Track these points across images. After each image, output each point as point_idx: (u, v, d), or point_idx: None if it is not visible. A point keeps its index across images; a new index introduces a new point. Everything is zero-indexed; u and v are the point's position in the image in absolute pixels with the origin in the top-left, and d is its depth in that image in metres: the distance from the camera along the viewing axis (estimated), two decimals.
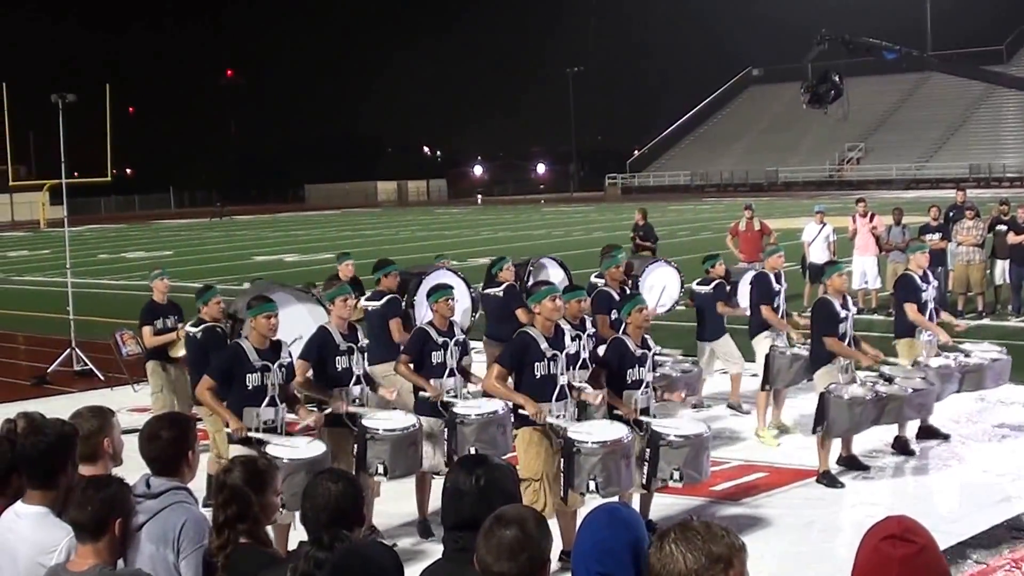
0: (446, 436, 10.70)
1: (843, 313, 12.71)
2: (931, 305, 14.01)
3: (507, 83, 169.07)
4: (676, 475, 10.33)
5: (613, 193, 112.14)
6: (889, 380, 12.55)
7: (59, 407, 8.30)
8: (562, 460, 9.85)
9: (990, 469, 12.73)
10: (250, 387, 9.88)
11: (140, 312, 15.13)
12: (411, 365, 11.23)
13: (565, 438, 9.87)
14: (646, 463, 10.31)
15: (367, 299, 14.32)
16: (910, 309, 13.89)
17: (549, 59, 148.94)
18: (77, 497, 5.21)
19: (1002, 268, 23.71)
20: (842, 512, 11.31)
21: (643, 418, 10.52)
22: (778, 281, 14.83)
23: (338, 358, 10.81)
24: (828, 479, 12.30)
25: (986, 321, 22.68)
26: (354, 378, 10.90)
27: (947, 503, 11.90)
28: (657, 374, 13.46)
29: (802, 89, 24.58)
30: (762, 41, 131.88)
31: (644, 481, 10.41)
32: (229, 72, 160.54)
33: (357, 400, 10.86)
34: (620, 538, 4.07)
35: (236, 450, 9.32)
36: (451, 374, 11.25)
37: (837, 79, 24.09)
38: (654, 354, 11.01)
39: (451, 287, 11.96)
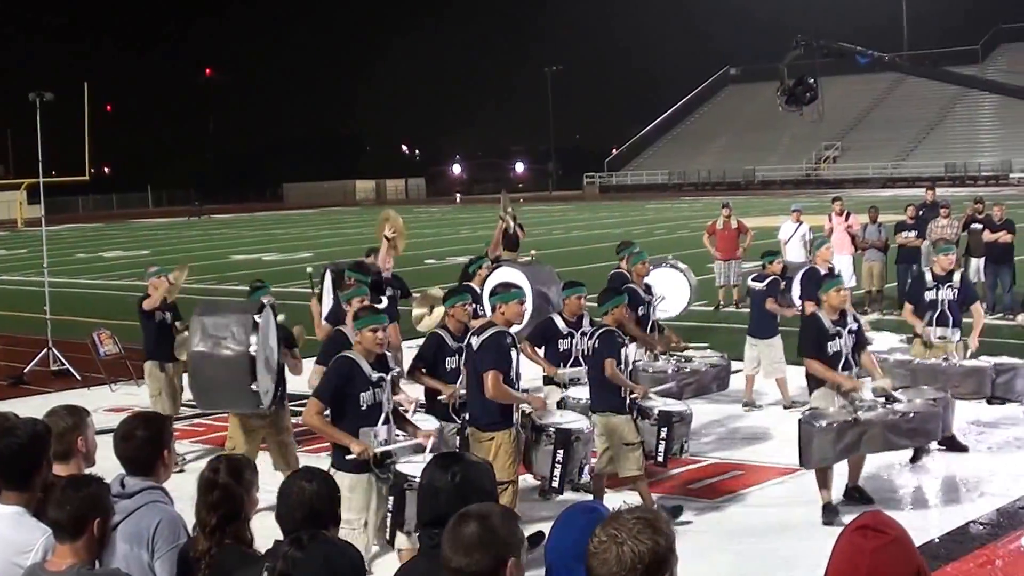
0: (458, 443, 10.64)
1: (834, 330, 11.52)
2: (943, 307, 13.72)
3: (486, 82, 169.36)
4: (686, 447, 11.77)
5: (591, 192, 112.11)
6: (890, 400, 11.27)
7: (35, 407, 8.29)
8: (560, 452, 10.26)
9: (965, 466, 12.80)
10: (364, 405, 9.03)
11: (138, 302, 15.17)
12: (424, 370, 10.98)
13: (558, 430, 10.29)
14: (662, 441, 11.27)
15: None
16: (906, 310, 14.20)
17: (528, 58, 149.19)
18: (56, 496, 5.22)
19: (976, 266, 23.83)
20: (818, 511, 11.30)
21: (647, 402, 11.42)
22: (830, 276, 14.57)
23: None
24: (827, 513, 11.22)
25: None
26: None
27: (922, 500, 11.97)
28: (687, 369, 13.60)
29: (778, 91, 24.60)
30: (740, 40, 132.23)
31: (661, 458, 11.42)
32: (208, 71, 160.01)
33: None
34: None
35: (344, 476, 8.71)
36: None
37: (812, 82, 24.11)
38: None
39: (468, 292, 11.91)
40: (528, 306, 10.78)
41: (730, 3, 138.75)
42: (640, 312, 13.79)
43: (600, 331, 11.29)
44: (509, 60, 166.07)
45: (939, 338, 13.75)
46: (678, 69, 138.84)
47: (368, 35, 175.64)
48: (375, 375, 9.09)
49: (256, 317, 10.89)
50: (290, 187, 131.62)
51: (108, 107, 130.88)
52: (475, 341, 10.32)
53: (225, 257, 47.21)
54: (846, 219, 25.33)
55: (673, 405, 11.75)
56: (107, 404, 17.12)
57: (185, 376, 14.03)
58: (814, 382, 11.75)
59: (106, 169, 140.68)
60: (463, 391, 10.86)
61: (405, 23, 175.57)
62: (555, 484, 10.47)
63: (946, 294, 13.71)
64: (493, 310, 10.67)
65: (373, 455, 8.89)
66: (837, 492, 11.45)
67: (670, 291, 16.07)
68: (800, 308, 15.45)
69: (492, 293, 10.98)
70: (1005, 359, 13.69)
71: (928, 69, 65.47)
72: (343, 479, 8.49)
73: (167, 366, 14.59)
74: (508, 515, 4.17)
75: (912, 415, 11.02)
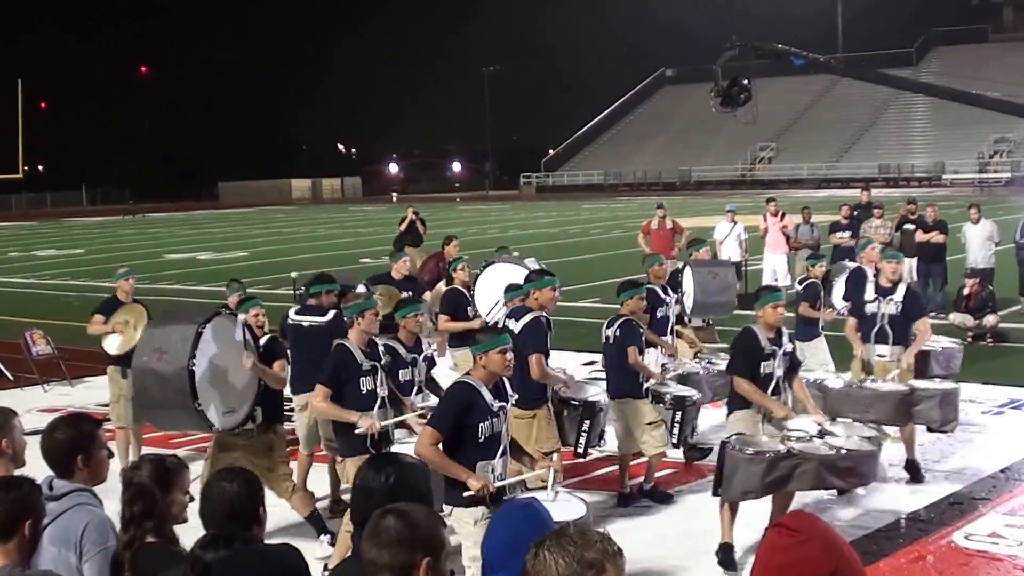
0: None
1: (770, 349, 10.44)
2: (882, 322, 12.79)
3: (422, 81, 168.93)
4: (696, 429, 12.46)
5: (528, 192, 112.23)
6: (821, 435, 10.06)
7: None
8: (587, 422, 11.19)
9: (897, 463, 12.89)
10: (483, 437, 8.18)
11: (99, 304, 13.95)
12: None
13: (585, 402, 11.26)
14: (676, 424, 11.79)
15: (297, 313, 12.63)
16: (849, 326, 13.20)
17: (464, 58, 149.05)
18: None
19: (909, 266, 24.05)
20: (750, 506, 11.31)
21: (661, 388, 12.17)
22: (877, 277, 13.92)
23: (362, 379, 9.91)
24: (724, 553, 10.18)
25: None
26: (379, 401, 9.98)
27: (855, 497, 11.98)
28: (715, 371, 13.55)
29: (712, 93, 24.74)
30: (676, 42, 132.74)
31: (675, 440, 11.97)
32: (143, 68, 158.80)
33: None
34: (535, 531, 4.14)
35: (463, 512, 8.07)
36: (419, 390, 11.05)
37: (746, 83, 24.28)
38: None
39: (420, 302, 11.86)
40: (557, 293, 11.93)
41: (666, 5, 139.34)
42: (659, 314, 13.61)
43: (620, 321, 11.94)
44: (446, 60, 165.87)
45: (878, 356, 12.84)
46: (614, 70, 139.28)
47: (305, 35, 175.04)
48: (496, 404, 8.27)
49: (201, 328, 9.97)
50: (226, 186, 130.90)
51: (43, 104, 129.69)
52: (514, 325, 10.92)
53: (159, 256, 46.87)
54: (781, 219, 25.56)
55: (685, 390, 12.35)
56: (40, 404, 16.99)
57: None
58: (735, 403, 10.70)
59: (40, 167, 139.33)
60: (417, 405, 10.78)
61: (342, 24, 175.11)
62: (580, 450, 11.40)
63: (887, 308, 12.78)
64: (527, 296, 11.53)
65: (490, 492, 8.01)
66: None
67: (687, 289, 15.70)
68: (840, 312, 15.02)
69: (526, 280, 11.99)
70: (926, 383, 12.43)
71: (863, 71, 66.13)
72: (464, 515, 8.08)
73: (129, 372, 12.98)
74: (432, 516, 4.16)
75: (847, 452, 9.79)
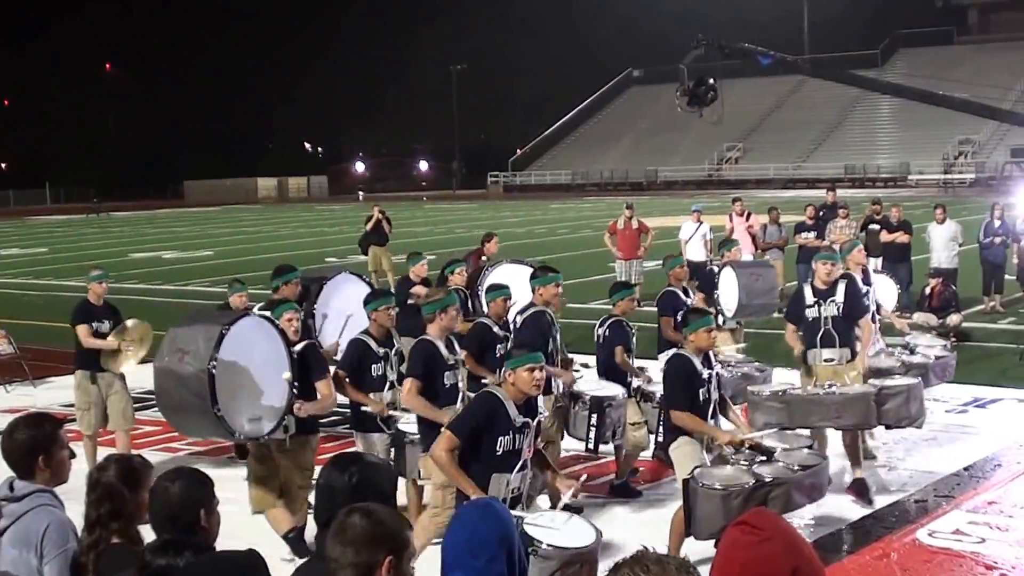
0: (392, 455, 10.53)
1: (706, 373, 9.90)
2: (826, 325, 12.42)
3: (389, 80, 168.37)
4: None
5: (496, 191, 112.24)
6: (768, 455, 9.61)
7: None
8: (595, 416, 11.32)
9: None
10: (500, 450, 8.04)
11: (73, 311, 13.46)
12: (348, 380, 10.73)
13: (593, 397, 11.45)
14: (662, 422, 11.35)
15: (262, 308, 12.10)
16: (788, 331, 12.87)
17: (432, 57, 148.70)
18: None
19: (874, 265, 24.16)
20: None
21: (649, 387, 12.19)
22: (866, 280, 13.71)
23: (446, 374, 9.97)
24: None
25: None
26: (460, 396, 9.96)
27: None
28: (739, 375, 13.27)
29: (678, 92, 24.73)
30: (643, 43, 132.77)
31: (662, 438, 11.43)
32: (108, 65, 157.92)
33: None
34: (493, 531, 4.14)
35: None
36: (391, 386, 10.84)
37: (713, 82, 24.28)
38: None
39: (391, 294, 11.77)
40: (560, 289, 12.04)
41: (633, 5, 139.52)
42: (680, 316, 13.57)
43: (610, 321, 12.37)
44: (413, 59, 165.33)
45: (825, 361, 12.42)
46: (581, 70, 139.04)
47: (271, 34, 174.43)
48: (520, 420, 8.10)
49: (225, 329, 9.65)
50: (191, 184, 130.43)
51: (6, 102, 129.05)
52: (518, 319, 11.70)
53: (124, 255, 46.64)
54: (747, 219, 25.59)
55: None
56: (1, 405, 16.88)
57: (111, 394, 13.17)
58: (675, 432, 9.96)
59: (3, 165, 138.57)
60: (389, 401, 10.75)
61: (307, 20, 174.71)
62: (591, 446, 11.46)
63: (829, 310, 12.38)
64: (533, 292, 11.92)
65: None
66: None
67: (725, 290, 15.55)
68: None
69: (532, 277, 12.28)
70: (892, 381, 12.09)
71: (829, 71, 66.40)
72: None
73: (100, 378, 13.11)
74: (398, 517, 4.14)
75: (809, 469, 9.41)
